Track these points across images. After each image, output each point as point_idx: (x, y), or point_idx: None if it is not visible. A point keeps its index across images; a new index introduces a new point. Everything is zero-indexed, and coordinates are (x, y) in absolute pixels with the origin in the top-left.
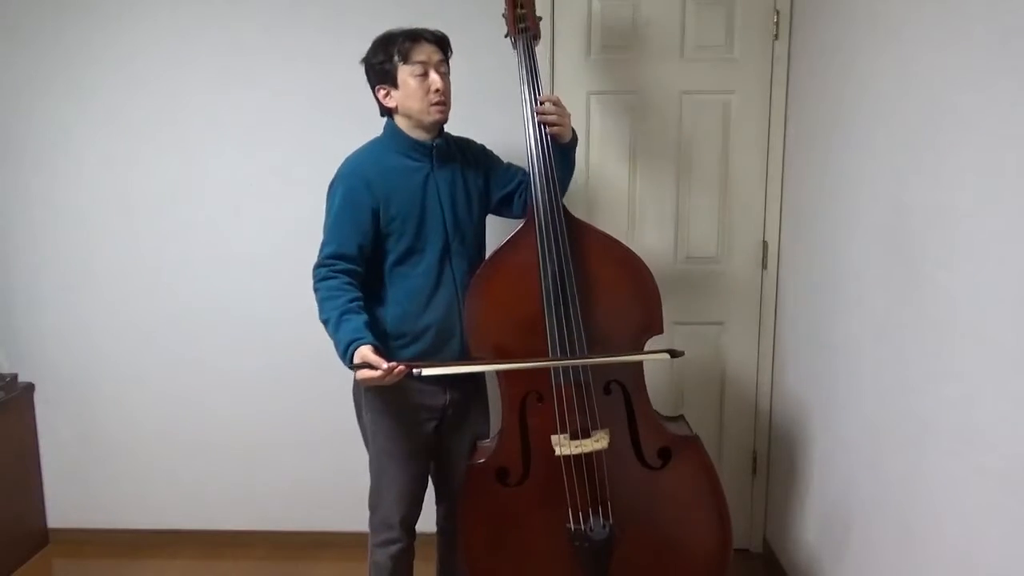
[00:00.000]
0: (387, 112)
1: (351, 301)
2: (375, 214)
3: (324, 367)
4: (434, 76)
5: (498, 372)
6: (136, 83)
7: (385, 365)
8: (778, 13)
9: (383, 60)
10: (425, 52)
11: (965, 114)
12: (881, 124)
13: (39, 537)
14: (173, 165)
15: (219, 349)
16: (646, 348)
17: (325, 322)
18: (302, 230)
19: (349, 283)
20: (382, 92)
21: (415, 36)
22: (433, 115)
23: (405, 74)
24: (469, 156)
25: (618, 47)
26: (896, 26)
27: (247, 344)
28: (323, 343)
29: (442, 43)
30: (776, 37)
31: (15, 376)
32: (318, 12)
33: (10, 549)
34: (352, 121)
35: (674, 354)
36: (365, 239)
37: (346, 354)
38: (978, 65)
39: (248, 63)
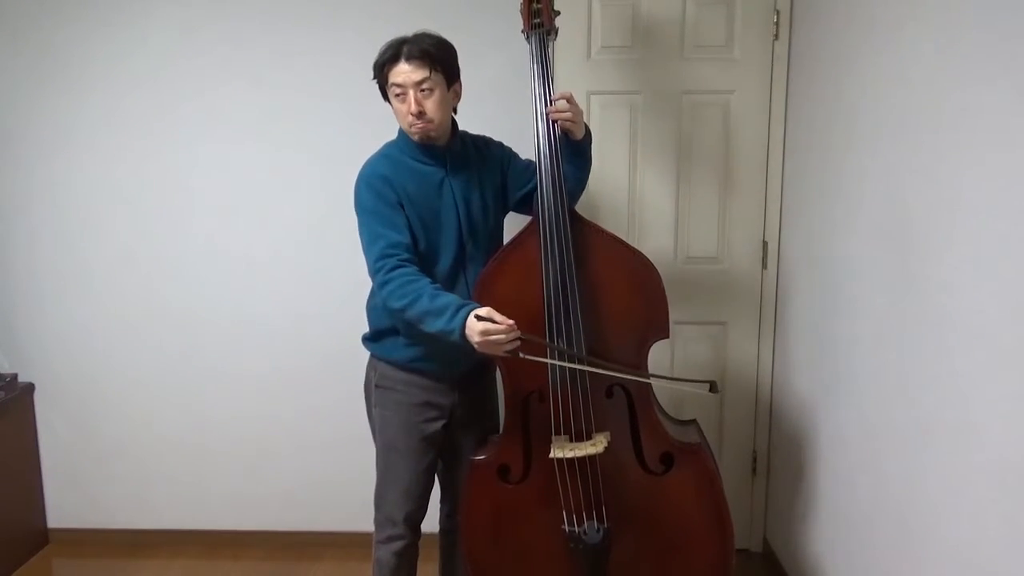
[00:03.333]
0: None
1: (432, 283)
2: (403, 209)
3: (324, 367)
4: (410, 99)
5: (500, 370)
6: (135, 81)
7: (509, 322)
8: (778, 13)
9: (376, 80)
10: (402, 74)
11: (965, 113)
12: (881, 123)
13: (39, 537)
14: (173, 164)
15: (219, 349)
16: (650, 357)
17: (411, 302)
18: (303, 230)
19: (421, 272)
20: (389, 107)
21: (395, 56)
22: (415, 136)
23: (390, 95)
24: (487, 156)
25: (618, 47)
26: (896, 26)
27: (247, 344)
28: (323, 343)
29: (426, 58)
30: (776, 37)
31: (15, 376)
32: (318, 9)
33: (10, 549)
34: (352, 119)
35: (713, 389)
36: (407, 233)
37: (457, 315)
38: (977, 64)
39: (247, 60)
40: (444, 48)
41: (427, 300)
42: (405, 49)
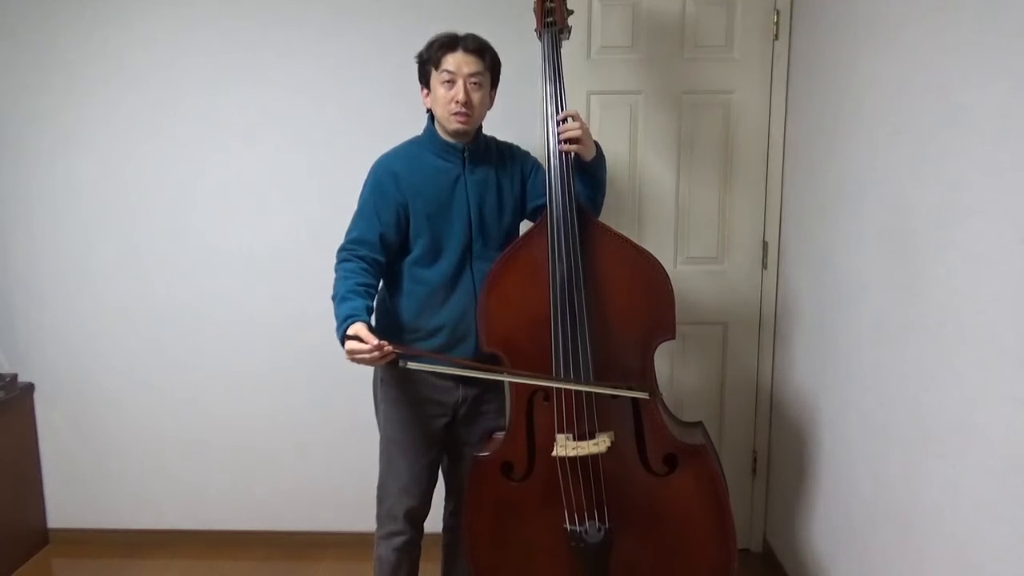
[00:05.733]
0: (429, 111)
1: (359, 284)
2: (402, 208)
3: (324, 367)
4: (459, 87)
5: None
6: (135, 82)
7: (374, 342)
8: (778, 13)
9: (424, 62)
10: (456, 62)
11: (965, 113)
12: (881, 123)
13: (39, 537)
14: (172, 164)
15: (219, 349)
16: (656, 353)
17: (333, 299)
18: (302, 229)
19: (365, 268)
20: (423, 92)
21: (452, 44)
22: (452, 123)
23: (435, 80)
24: (508, 161)
25: (618, 47)
26: (896, 26)
27: (247, 344)
28: (323, 343)
29: (481, 53)
30: (776, 37)
31: (15, 376)
32: (319, 10)
33: (10, 549)
34: (352, 119)
35: (652, 394)
36: (387, 229)
37: (340, 327)
38: (978, 64)
39: (248, 61)
40: (495, 54)
41: (337, 302)
42: (464, 39)
